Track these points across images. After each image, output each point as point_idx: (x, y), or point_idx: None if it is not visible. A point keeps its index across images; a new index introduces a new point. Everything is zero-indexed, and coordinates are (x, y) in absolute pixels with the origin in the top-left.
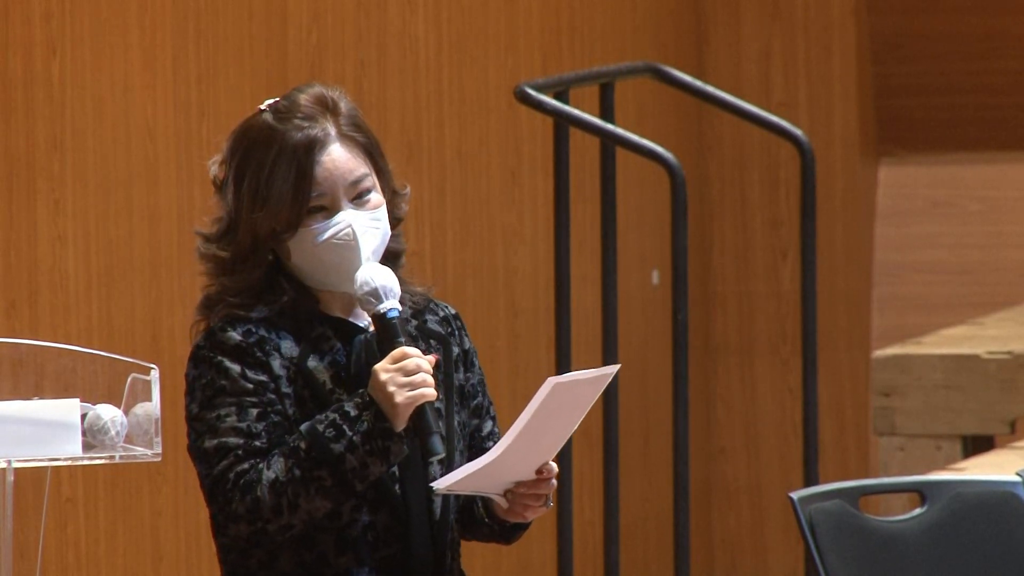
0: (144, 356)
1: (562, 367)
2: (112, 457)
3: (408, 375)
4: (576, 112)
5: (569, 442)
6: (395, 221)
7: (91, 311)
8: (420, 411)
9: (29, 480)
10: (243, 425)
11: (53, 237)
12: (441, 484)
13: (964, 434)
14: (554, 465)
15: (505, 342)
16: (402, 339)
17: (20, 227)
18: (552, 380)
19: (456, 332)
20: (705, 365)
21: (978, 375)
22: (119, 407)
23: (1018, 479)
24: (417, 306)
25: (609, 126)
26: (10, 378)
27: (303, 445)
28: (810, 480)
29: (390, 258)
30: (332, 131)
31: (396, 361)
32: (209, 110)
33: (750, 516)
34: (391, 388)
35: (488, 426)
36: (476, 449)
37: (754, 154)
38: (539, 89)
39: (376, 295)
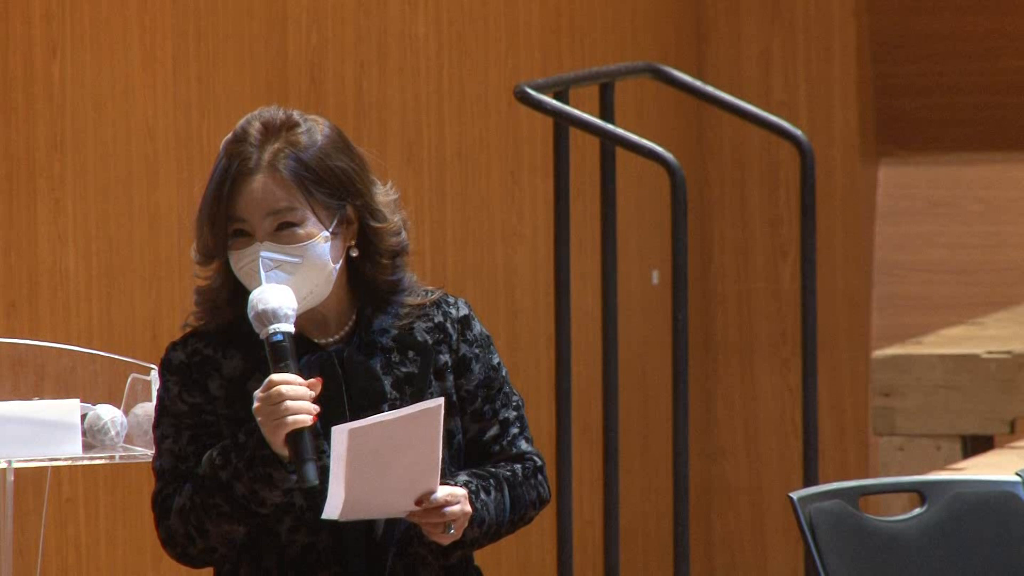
0: (144, 356)
1: (562, 367)
2: (112, 457)
3: (272, 404)
4: (576, 112)
5: (569, 441)
6: (388, 253)
7: (91, 311)
8: (291, 438)
9: (29, 480)
10: (176, 448)
11: (53, 237)
12: (327, 513)
13: (964, 434)
14: (440, 495)
15: (505, 342)
16: (285, 363)
17: (20, 227)
18: (342, 428)
19: (452, 337)
20: (705, 365)
21: (978, 375)
22: (119, 407)
23: (1018, 479)
24: (408, 318)
25: (609, 126)
26: (10, 378)
27: (200, 472)
28: (810, 480)
29: (378, 286)
30: (264, 161)
31: (265, 391)
32: (209, 110)
33: (750, 516)
34: (259, 418)
35: (493, 430)
36: (481, 454)
37: (754, 154)
38: (539, 89)
39: (261, 319)
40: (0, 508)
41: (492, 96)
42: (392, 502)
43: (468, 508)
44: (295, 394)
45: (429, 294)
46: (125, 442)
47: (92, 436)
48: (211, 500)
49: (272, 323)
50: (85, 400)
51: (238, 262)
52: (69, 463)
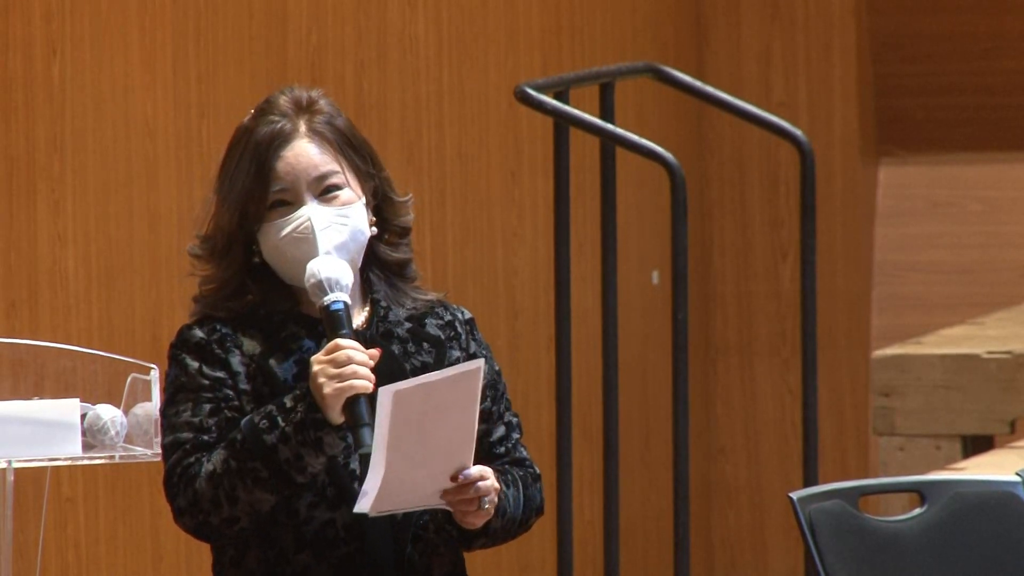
0: (144, 356)
1: (562, 367)
2: (112, 457)
3: (338, 367)
4: (576, 112)
5: (569, 441)
6: (400, 230)
7: (91, 311)
8: (351, 403)
9: (29, 480)
10: (196, 420)
11: (53, 237)
12: (361, 507)
13: (964, 434)
14: (473, 470)
15: (505, 342)
16: (346, 331)
17: (20, 227)
18: (388, 388)
19: (461, 336)
20: (705, 365)
21: (978, 375)
22: (119, 407)
23: (1018, 479)
24: (418, 311)
25: (609, 126)
26: (10, 378)
27: (239, 437)
28: (810, 480)
29: (391, 267)
30: (301, 127)
31: (329, 353)
32: (209, 110)
33: (750, 516)
34: (321, 379)
35: (499, 431)
36: (486, 454)
37: (754, 154)
38: (539, 89)
39: (321, 287)
40: (0, 508)
41: (492, 96)
42: (428, 479)
43: (497, 484)
44: (360, 359)
45: (431, 294)
46: (125, 442)
47: (92, 436)
48: (248, 465)
49: (330, 291)
50: (85, 400)
51: (282, 229)
52: (69, 463)
